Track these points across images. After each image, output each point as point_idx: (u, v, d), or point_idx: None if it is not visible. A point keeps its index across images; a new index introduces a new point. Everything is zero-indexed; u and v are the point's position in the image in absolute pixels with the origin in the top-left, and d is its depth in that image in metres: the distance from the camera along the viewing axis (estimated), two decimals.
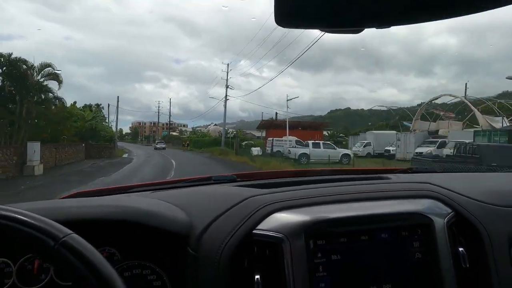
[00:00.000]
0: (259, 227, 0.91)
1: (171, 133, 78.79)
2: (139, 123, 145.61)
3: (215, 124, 67.56)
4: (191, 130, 63.18)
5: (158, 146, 52.39)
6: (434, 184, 1.15)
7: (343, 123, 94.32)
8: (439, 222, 0.99)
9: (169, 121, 79.13)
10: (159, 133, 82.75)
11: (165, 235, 0.94)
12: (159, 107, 77.11)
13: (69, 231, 0.63)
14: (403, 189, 1.12)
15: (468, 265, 0.97)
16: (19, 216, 0.62)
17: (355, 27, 0.56)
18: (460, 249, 0.99)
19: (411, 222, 0.99)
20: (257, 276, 0.85)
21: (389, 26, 0.55)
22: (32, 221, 0.62)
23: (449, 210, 1.04)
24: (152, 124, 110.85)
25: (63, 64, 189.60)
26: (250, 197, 1.02)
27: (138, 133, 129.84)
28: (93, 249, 0.62)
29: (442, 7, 0.51)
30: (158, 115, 77.13)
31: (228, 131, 47.56)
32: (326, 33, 0.65)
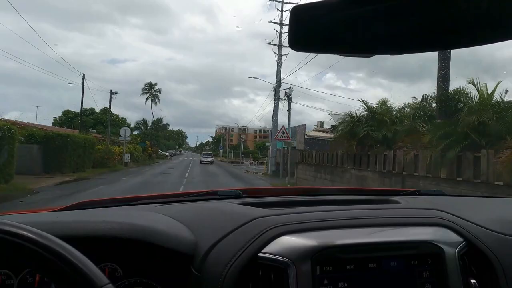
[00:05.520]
0: (264, 250, 0.90)
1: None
2: (225, 128, 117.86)
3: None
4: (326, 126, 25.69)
5: (203, 158, 46.37)
6: (444, 210, 1.12)
7: None
8: (450, 252, 0.96)
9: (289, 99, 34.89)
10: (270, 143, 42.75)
11: (170, 253, 0.93)
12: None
13: (106, 281, 0.62)
14: (413, 215, 1.10)
15: None
16: (65, 254, 0.61)
17: (367, 53, 0.57)
18: (472, 280, 0.95)
19: (421, 250, 0.95)
20: None
21: (402, 53, 0.56)
22: (78, 264, 0.61)
23: (461, 239, 1.00)
24: (242, 131, 76.73)
25: (164, 81, 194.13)
26: (257, 218, 1.00)
27: (223, 141, 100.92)
28: None
29: (452, 39, 0.52)
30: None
31: None
32: None
